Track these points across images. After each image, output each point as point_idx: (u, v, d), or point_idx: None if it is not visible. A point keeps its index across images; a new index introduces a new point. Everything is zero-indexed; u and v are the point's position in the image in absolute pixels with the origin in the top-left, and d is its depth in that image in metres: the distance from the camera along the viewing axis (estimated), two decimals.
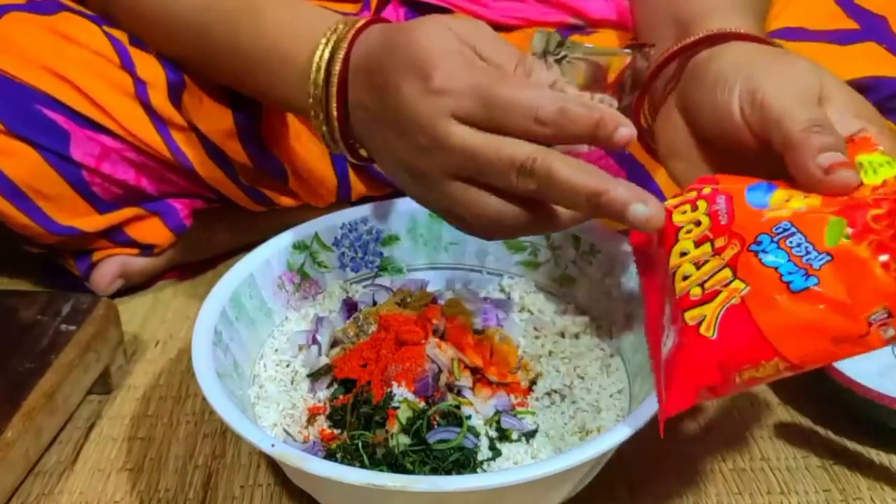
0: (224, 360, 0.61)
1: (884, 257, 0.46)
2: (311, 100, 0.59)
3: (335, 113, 0.59)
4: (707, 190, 0.54)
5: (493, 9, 0.88)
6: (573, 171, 0.49)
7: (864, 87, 0.77)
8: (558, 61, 0.54)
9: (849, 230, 0.47)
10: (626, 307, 0.66)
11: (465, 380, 0.60)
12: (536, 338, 0.67)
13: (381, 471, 0.53)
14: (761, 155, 0.55)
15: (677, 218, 0.53)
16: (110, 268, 0.83)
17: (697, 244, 0.51)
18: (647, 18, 0.74)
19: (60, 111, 0.75)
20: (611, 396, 0.63)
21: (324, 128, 0.60)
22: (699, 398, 0.48)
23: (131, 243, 0.83)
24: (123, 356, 0.75)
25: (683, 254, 0.51)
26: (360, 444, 0.56)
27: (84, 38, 0.77)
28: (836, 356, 0.46)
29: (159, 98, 0.77)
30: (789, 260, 0.47)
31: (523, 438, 0.59)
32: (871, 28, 0.80)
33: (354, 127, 0.59)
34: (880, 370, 0.67)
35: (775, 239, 0.49)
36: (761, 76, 0.56)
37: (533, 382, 0.63)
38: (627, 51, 0.54)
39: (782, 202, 0.51)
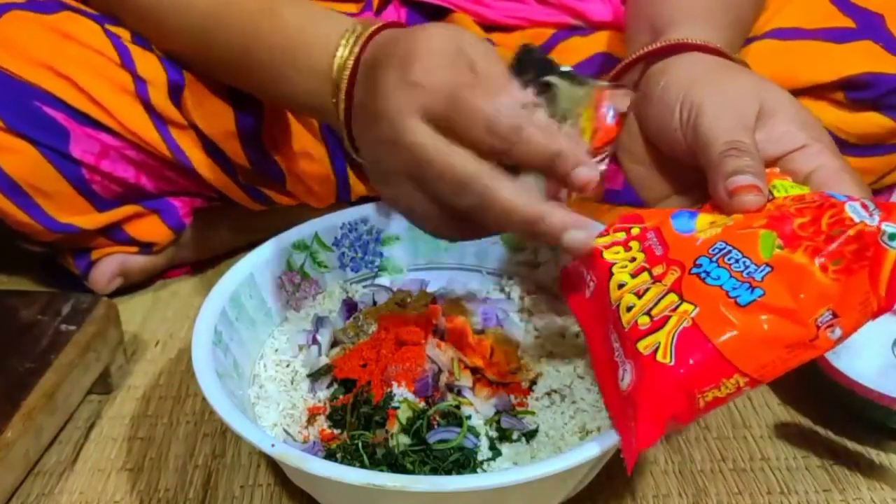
0: (224, 360, 0.61)
1: (820, 259, 0.47)
2: (333, 100, 0.59)
3: (343, 112, 0.59)
4: (636, 230, 0.55)
5: (495, 9, 0.88)
6: (513, 195, 0.49)
7: (862, 83, 0.78)
8: (534, 79, 0.52)
9: (780, 241, 0.48)
10: None
11: (465, 380, 0.60)
12: (536, 338, 0.67)
13: (381, 471, 0.53)
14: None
15: (609, 256, 0.54)
16: (109, 266, 0.83)
17: (634, 275, 0.52)
18: (631, 22, 0.74)
19: (60, 109, 0.75)
20: None
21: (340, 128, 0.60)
22: (667, 428, 0.47)
23: (130, 241, 0.83)
24: (123, 356, 0.75)
25: (621, 286, 0.52)
26: (360, 444, 0.56)
27: (85, 36, 0.77)
28: (789, 364, 0.47)
29: (159, 97, 0.77)
30: (731, 276, 0.48)
31: (523, 438, 0.59)
32: (867, 26, 0.80)
33: (353, 124, 0.59)
34: (880, 370, 0.67)
35: (714, 259, 0.49)
36: (699, 96, 0.56)
37: (533, 382, 0.63)
38: (604, 83, 0.53)
39: (708, 225, 0.52)
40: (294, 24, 0.64)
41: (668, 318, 0.48)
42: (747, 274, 0.48)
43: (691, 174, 0.57)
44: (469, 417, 0.58)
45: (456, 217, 0.52)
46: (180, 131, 0.79)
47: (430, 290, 0.71)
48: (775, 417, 0.68)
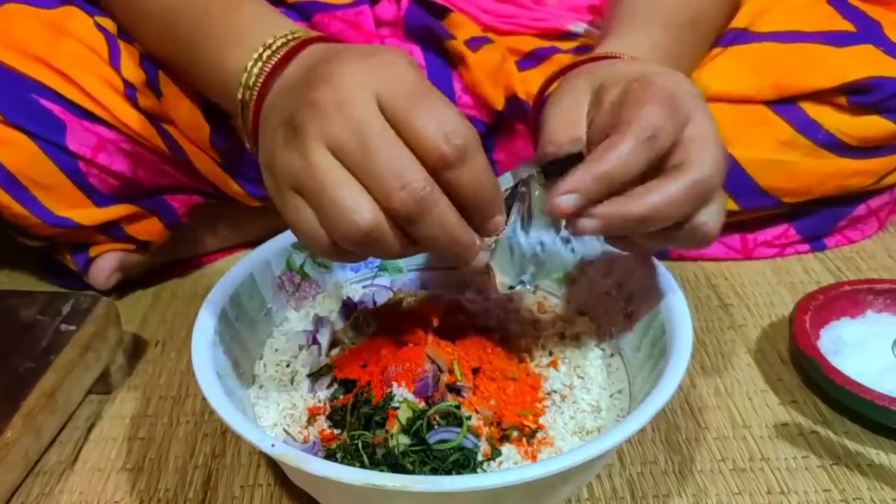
0: (224, 360, 0.61)
1: None
2: (240, 108, 0.58)
3: (251, 121, 0.58)
4: None
5: (490, 13, 0.88)
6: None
7: (865, 87, 0.78)
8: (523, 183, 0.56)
9: None
10: (626, 307, 0.66)
11: (466, 380, 0.60)
12: (537, 338, 0.67)
13: (381, 471, 0.53)
14: None
15: None
16: (108, 263, 0.83)
17: None
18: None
19: (57, 101, 0.76)
20: (611, 396, 0.63)
21: (245, 133, 0.60)
22: None
23: (127, 239, 0.83)
24: (123, 356, 0.75)
25: None
26: (360, 444, 0.56)
27: (80, 32, 0.78)
28: None
29: (146, 101, 0.78)
30: None
31: (523, 438, 0.59)
32: (867, 30, 0.80)
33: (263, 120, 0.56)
34: (880, 370, 0.67)
35: None
36: (547, 108, 0.58)
37: None
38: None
39: None
40: (223, 27, 0.63)
41: None
42: None
43: None
44: (469, 417, 0.58)
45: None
46: (173, 126, 0.79)
47: (429, 290, 0.71)
48: (775, 417, 0.68)
